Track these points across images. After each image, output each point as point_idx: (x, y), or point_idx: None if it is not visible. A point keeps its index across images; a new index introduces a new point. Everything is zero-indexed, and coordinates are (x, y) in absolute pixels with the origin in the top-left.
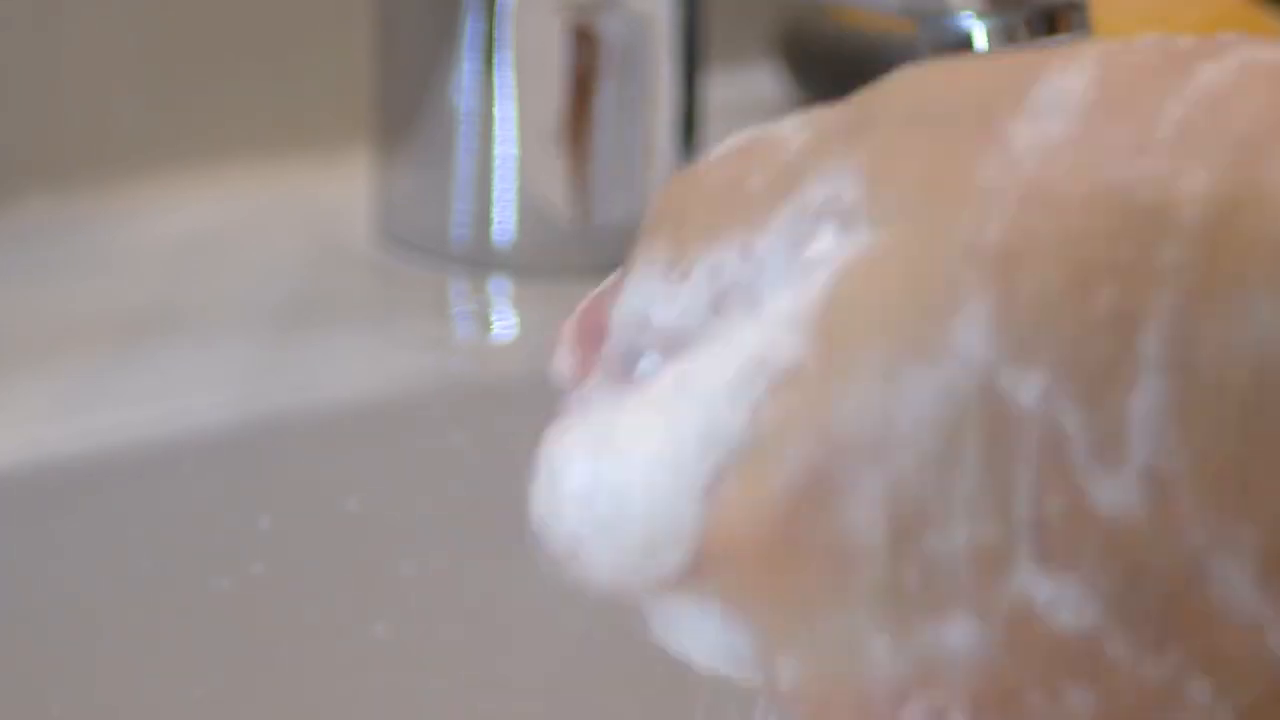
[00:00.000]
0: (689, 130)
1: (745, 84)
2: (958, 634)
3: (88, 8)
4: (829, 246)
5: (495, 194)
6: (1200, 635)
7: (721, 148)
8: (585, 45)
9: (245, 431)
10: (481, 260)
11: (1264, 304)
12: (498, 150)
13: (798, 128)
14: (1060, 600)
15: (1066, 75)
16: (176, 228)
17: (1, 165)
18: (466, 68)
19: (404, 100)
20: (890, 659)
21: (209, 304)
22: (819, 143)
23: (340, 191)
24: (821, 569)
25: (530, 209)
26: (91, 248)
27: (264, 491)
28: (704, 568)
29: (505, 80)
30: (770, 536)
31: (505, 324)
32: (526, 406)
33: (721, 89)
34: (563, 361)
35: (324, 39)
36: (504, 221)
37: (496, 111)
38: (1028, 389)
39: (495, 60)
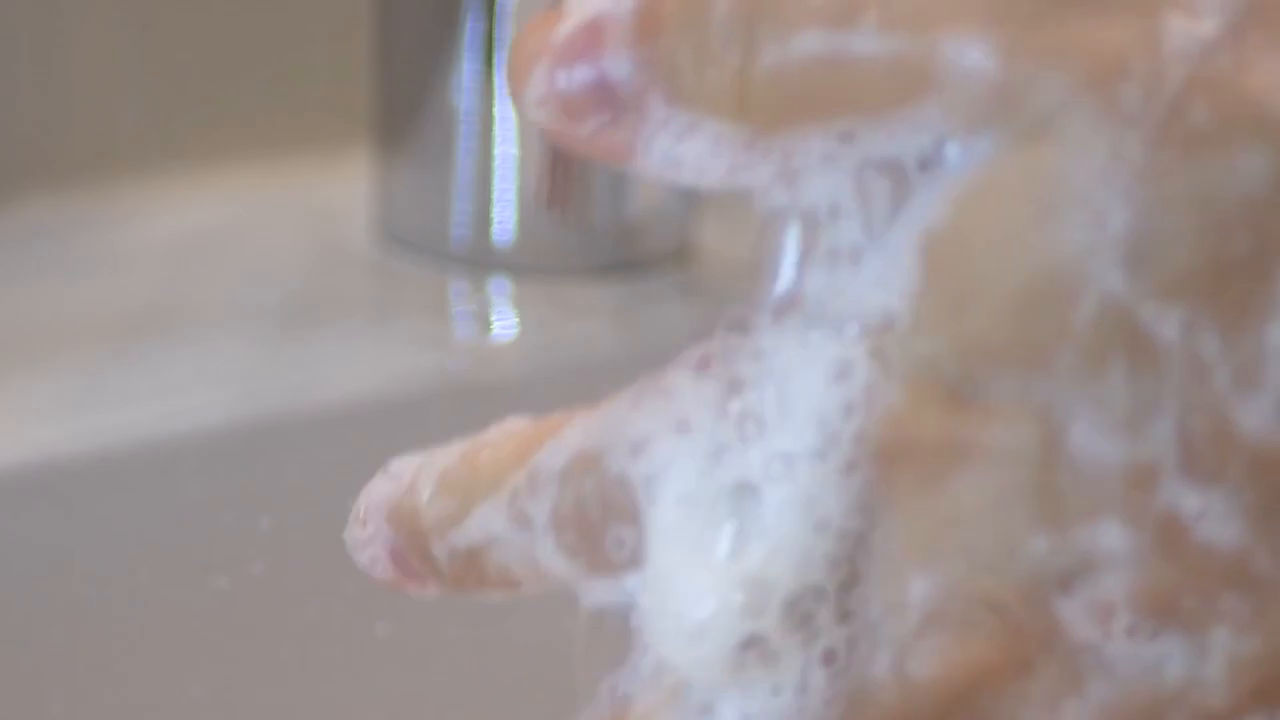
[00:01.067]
0: None
1: None
2: (1112, 537)
3: (89, 8)
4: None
5: (495, 194)
6: None
7: None
8: None
9: (245, 431)
10: (481, 260)
11: None
12: (498, 150)
13: None
14: (1207, 513)
15: None
16: (176, 228)
17: (1, 165)
18: (466, 68)
19: (404, 100)
20: (1049, 555)
21: (209, 304)
22: None
23: (340, 191)
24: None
25: (530, 209)
26: (91, 248)
27: (264, 491)
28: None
29: (505, 80)
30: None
31: (505, 324)
32: (526, 406)
33: None
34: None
35: (324, 39)
36: (504, 221)
37: (496, 111)
38: (1169, 324)
39: (495, 60)
